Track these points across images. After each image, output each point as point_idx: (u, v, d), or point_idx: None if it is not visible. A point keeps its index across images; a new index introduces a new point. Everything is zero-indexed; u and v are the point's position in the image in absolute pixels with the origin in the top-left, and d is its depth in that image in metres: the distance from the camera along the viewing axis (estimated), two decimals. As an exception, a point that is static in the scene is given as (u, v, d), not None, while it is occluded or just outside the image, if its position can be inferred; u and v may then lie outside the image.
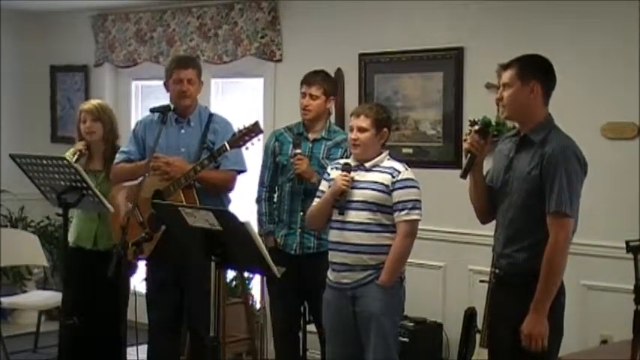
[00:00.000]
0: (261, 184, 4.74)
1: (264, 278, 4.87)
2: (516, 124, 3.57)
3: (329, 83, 4.64)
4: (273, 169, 4.69)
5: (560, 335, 3.41)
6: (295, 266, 4.35)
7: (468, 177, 3.56)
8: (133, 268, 4.19)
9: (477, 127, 3.57)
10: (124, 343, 4.79)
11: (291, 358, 4.79)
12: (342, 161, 4.14)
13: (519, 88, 3.38)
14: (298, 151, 4.51)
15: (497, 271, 3.52)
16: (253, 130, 4.23)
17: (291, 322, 4.71)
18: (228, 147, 4.24)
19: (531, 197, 3.35)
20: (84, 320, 4.26)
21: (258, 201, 4.74)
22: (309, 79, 4.60)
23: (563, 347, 3.53)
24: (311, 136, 4.61)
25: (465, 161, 3.58)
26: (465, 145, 3.55)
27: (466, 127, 4.98)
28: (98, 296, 4.40)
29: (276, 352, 4.89)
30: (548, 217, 3.30)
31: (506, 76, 3.43)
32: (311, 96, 4.55)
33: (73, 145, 4.85)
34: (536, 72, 3.41)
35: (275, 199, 4.71)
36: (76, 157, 4.69)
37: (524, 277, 3.35)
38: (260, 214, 4.72)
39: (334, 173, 4.07)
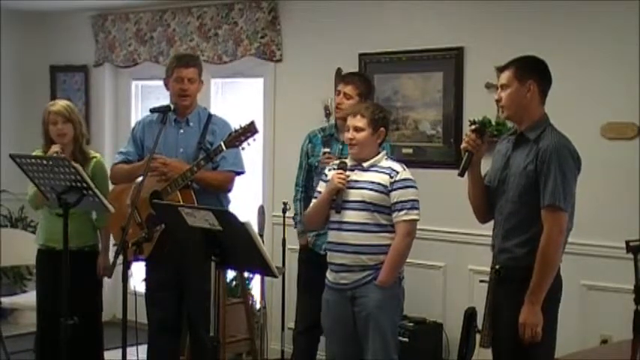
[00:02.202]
0: (297, 184, 4.86)
1: (298, 278, 4.95)
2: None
3: (365, 86, 4.66)
4: (307, 170, 4.78)
5: (556, 328, 3.51)
6: (324, 265, 4.40)
7: (467, 176, 3.60)
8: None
9: (473, 127, 3.63)
10: (101, 344, 4.80)
11: (309, 357, 4.87)
12: (337, 161, 4.15)
13: (517, 88, 3.49)
14: (327, 150, 4.58)
15: (497, 266, 3.57)
16: (249, 130, 4.23)
17: (315, 321, 4.74)
18: (224, 147, 4.24)
19: (527, 192, 3.44)
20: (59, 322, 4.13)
21: (294, 201, 4.87)
22: (347, 79, 4.68)
23: (563, 347, 3.55)
24: (342, 137, 4.63)
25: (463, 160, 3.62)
26: (463, 144, 3.62)
27: (466, 128, 4.98)
28: (73, 298, 4.09)
29: (295, 349, 4.93)
30: (543, 211, 3.40)
31: (504, 77, 3.53)
32: (345, 95, 4.58)
33: (40, 147, 4.73)
34: (532, 72, 3.51)
35: None
36: None
37: (523, 271, 3.42)
38: (295, 213, 4.86)
39: (330, 173, 4.07)
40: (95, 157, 4.78)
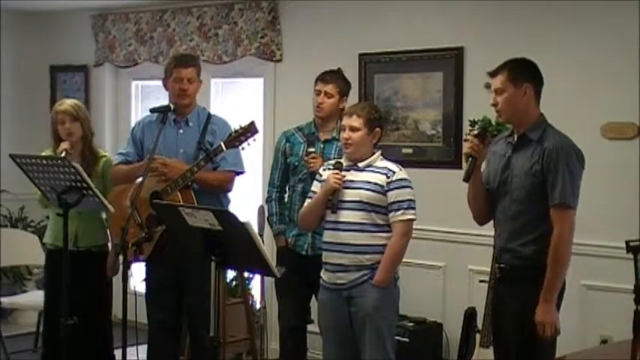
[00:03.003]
0: (272, 184, 4.75)
1: (276, 281, 4.89)
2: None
3: (344, 83, 4.65)
4: (284, 170, 4.70)
5: None
6: (306, 266, 4.37)
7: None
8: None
9: (475, 132, 3.64)
10: (110, 343, 4.80)
11: (298, 358, 4.81)
12: (333, 161, 4.14)
13: (513, 92, 3.51)
14: (312, 149, 4.52)
15: (502, 265, 3.57)
16: (249, 130, 4.23)
17: (299, 321, 4.72)
18: (224, 147, 4.24)
19: (534, 192, 3.46)
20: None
21: (269, 201, 4.76)
22: (326, 78, 4.60)
23: (563, 347, 3.55)
24: (322, 136, 4.61)
25: (465, 165, 3.66)
26: (466, 150, 3.64)
27: (466, 127, 4.97)
28: (81, 297, 4.19)
29: (282, 351, 4.87)
30: (553, 210, 3.42)
31: (498, 81, 3.55)
32: (326, 94, 4.55)
33: (50, 147, 4.75)
34: (526, 75, 3.53)
35: (286, 200, 4.73)
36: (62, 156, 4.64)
37: (530, 270, 3.45)
38: (270, 214, 4.75)
39: (326, 174, 4.07)
40: (105, 155, 4.78)
